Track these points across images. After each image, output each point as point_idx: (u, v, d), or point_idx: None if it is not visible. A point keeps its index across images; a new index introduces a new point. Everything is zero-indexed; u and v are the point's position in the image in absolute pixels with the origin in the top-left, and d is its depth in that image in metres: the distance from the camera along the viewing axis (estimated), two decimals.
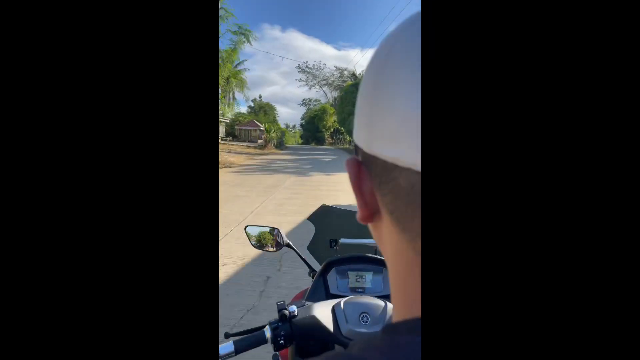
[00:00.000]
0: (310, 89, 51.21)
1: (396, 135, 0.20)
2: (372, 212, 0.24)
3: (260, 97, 55.48)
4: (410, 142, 0.19)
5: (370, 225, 0.26)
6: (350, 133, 22.51)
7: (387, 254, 0.25)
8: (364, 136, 0.23)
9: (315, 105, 52.02)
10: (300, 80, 50.67)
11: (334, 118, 39.06)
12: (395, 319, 0.24)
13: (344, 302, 0.59)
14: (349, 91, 26.04)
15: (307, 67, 49.52)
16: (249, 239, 0.77)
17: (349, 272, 0.70)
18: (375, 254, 0.75)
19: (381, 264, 0.71)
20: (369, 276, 0.70)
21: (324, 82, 48.62)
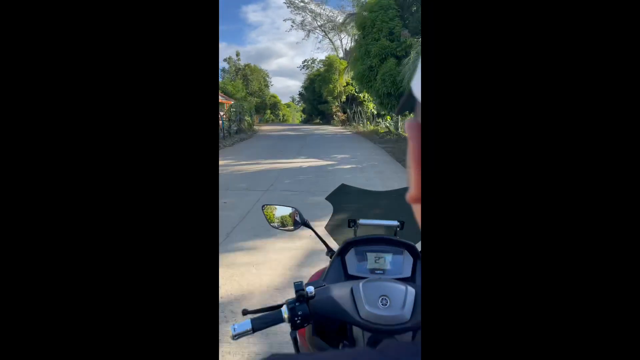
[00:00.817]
0: (308, 35, 28.45)
1: None
2: None
3: (237, 55, 35.24)
4: None
5: (420, 207, 0.21)
6: (382, 99, 11.38)
7: None
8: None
9: (320, 67, 29.94)
10: (293, 24, 27.53)
11: (347, 77, 22.50)
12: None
13: (363, 284, 0.59)
14: (375, 10, 11.69)
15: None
16: (266, 218, 0.77)
17: (368, 254, 0.69)
18: (395, 235, 0.73)
19: (401, 245, 0.70)
20: (388, 258, 0.69)
21: (330, 23, 25.76)
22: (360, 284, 0.58)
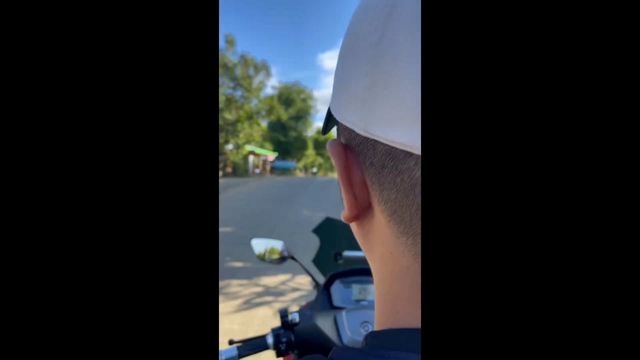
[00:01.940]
0: None
1: (412, 113, 0.16)
2: (361, 209, 0.19)
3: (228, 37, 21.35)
4: (412, 121, 0.16)
5: (355, 225, 0.21)
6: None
7: (375, 257, 0.20)
8: (356, 112, 0.18)
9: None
10: None
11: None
12: (377, 327, 0.21)
13: (346, 312, 0.59)
14: None
15: None
16: (254, 251, 0.78)
17: (353, 285, 0.70)
18: None
19: None
20: (372, 288, 0.70)
21: None
22: (344, 312, 0.59)
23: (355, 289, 0.70)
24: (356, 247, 0.83)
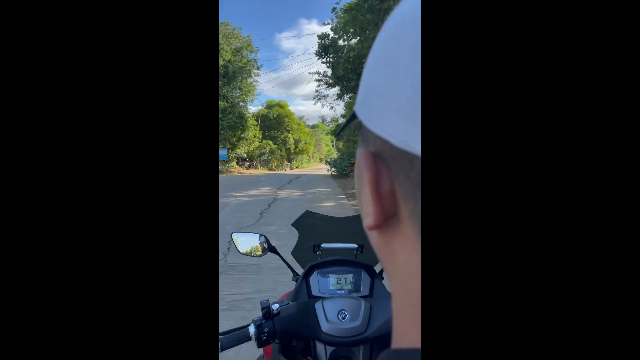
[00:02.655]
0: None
1: None
2: (387, 219, 0.19)
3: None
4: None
5: (376, 232, 0.21)
6: None
7: (398, 265, 0.20)
8: (395, 124, 0.18)
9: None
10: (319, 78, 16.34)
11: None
12: (399, 345, 0.20)
13: (324, 301, 0.63)
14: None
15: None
16: (235, 245, 0.80)
17: (330, 275, 0.73)
18: (355, 258, 0.80)
19: (360, 266, 0.75)
20: (349, 278, 0.74)
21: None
22: (322, 301, 0.62)
23: (333, 278, 0.73)
24: (333, 240, 0.87)
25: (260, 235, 0.80)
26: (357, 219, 0.91)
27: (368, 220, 0.20)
